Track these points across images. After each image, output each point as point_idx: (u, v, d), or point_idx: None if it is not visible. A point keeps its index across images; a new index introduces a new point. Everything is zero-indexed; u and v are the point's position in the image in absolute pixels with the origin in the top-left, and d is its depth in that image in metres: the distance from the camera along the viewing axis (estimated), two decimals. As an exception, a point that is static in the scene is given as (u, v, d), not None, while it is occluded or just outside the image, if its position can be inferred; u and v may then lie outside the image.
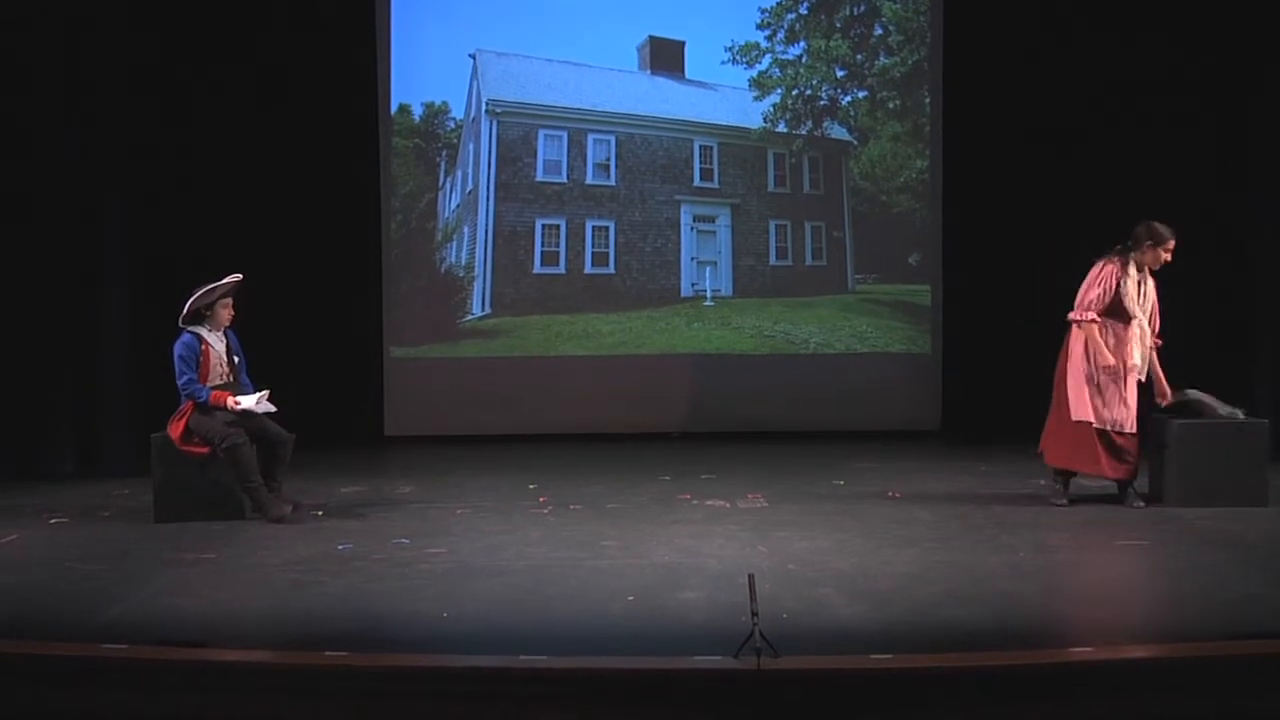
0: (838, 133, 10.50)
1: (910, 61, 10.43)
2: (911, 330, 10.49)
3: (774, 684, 3.93)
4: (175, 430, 6.75)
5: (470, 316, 10.41)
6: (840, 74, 10.48)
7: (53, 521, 6.87)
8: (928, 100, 10.38)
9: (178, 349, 6.77)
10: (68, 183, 8.65)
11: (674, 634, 4.60)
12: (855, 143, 10.51)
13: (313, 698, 4.08)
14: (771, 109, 10.44)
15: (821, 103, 10.48)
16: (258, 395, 6.82)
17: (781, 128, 10.45)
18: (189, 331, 6.81)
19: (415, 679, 4.12)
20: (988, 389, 10.02)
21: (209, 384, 6.79)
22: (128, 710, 4.07)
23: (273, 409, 6.85)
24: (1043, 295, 9.98)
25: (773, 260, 10.48)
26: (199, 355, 6.78)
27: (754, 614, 4.05)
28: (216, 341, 6.87)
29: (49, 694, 4.13)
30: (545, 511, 7.02)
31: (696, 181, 10.46)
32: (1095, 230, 9.90)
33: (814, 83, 10.46)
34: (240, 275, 6.86)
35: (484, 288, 10.37)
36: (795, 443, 9.75)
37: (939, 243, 10.30)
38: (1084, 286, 7.16)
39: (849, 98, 10.51)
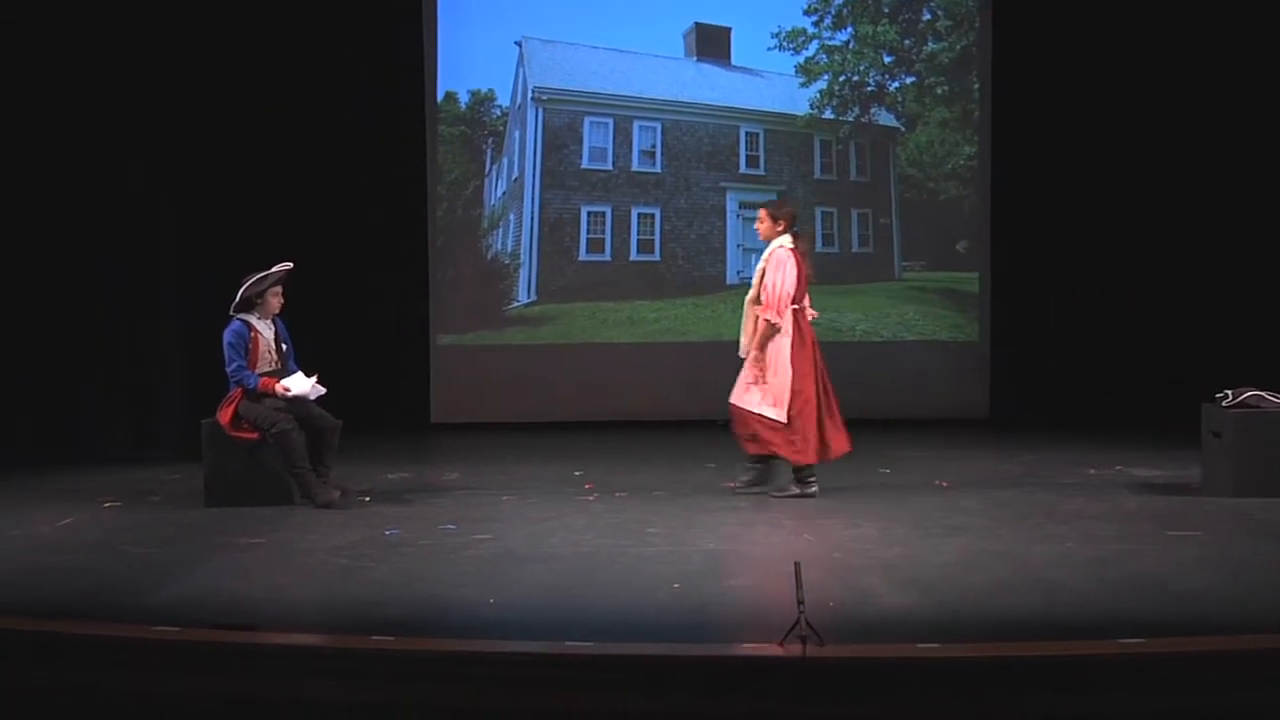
0: (885, 119, 10.41)
1: (959, 46, 10.32)
2: (959, 318, 10.40)
3: (820, 672, 3.92)
4: (225, 416, 6.83)
5: (516, 304, 10.43)
6: (888, 59, 10.39)
7: (106, 505, 6.98)
8: (976, 85, 10.27)
9: (227, 336, 6.84)
10: (120, 172, 8.75)
11: (719, 621, 4.60)
12: (903, 129, 10.42)
13: (359, 681, 4.11)
14: (818, 95, 10.37)
15: (869, 88, 10.39)
16: (308, 380, 6.87)
17: (828, 114, 10.38)
18: (238, 319, 6.88)
19: (461, 664, 4.14)
20: (1035, 377, 9.94)
21: (258, 371, 6.86)
22: (178, 691, 4.13)
23: (322, 390, 6.91)
24: (1091, 282, 9.91)
25: (819, 247, 10.38)
26: (248, 342, 6.85)
27: (800, 602, 4.04)
28: (265, 329, 6.93)
29: (102, 673, 4.20)
30: (591, 498, 7.03)
31: (742, 168, 10.41)
32: (1145, 217, 9.84)
33: (861, 68, 10.38)
34: (290, 264, 6.91)
35: (530, 275, 10.39)
36: (841, 431, 9.68)
37: (987, 229, 10.20)
38: (781, 279, 6.78)
39: (896, 83, 10.42)
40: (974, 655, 4.12)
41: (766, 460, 7.03)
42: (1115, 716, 3.95)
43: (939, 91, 10.35)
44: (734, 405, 6.96)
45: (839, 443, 6.99)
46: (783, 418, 6.79)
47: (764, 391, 6.85)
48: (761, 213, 7.08)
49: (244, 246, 8.98)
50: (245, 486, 6.83)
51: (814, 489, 6.88)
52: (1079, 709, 3.95)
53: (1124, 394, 9.68)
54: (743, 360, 6.96)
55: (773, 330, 6.81)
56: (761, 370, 6.85)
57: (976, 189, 10.28)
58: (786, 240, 6.95)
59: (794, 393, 6.78)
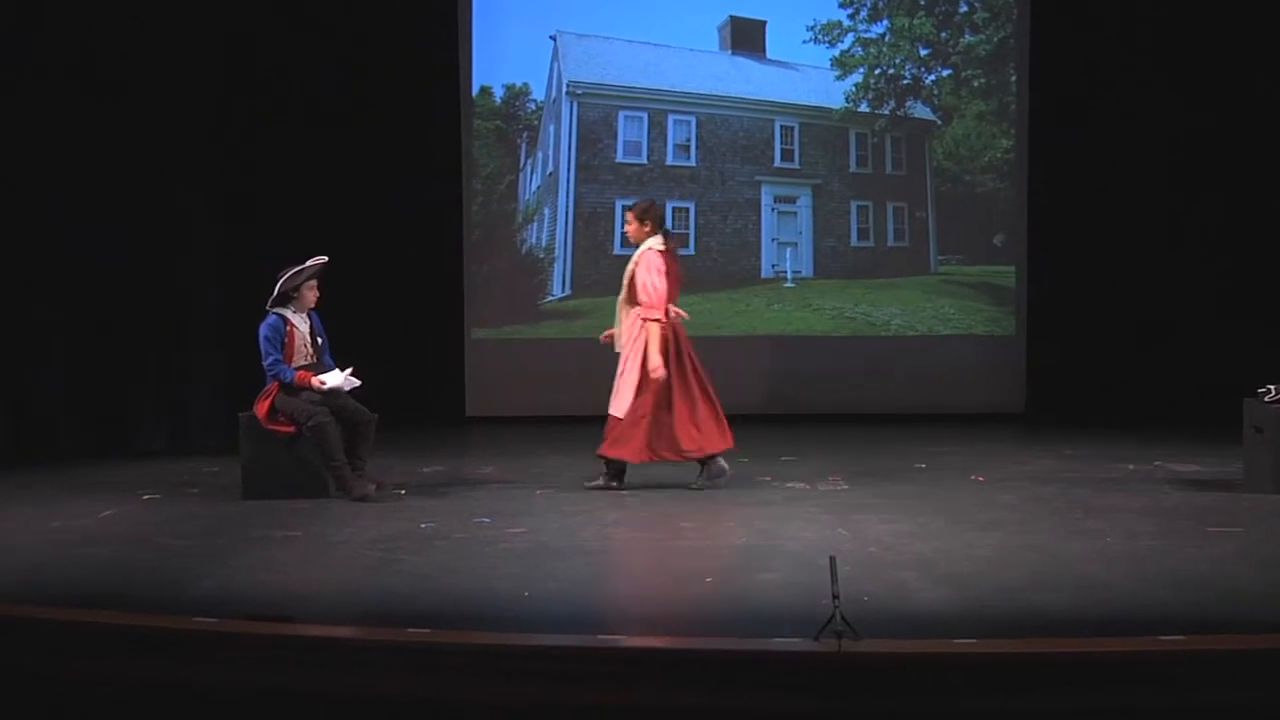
0: (921, 112, 10.34)
1: (996, 39, 10.24)
2: (995, 312, 10.33)
3: (855, 667, 3.90)
4: (261, 409, 6.87)
5: (551, 298, 10.45)
6: (924, 52, 10.32)
7: (145, 498, 7.04)
8: (1013, 78, 10.19)
9: (263, 330, 6.88)
10: (155, 170, 8.82)
11: (753, 616, 4.59)
12: (939, 122, 10.35)
13: (395, 673, 4.13)
14: (854, 88, 10.32)
15: (904, 82, 10.33)
16: (343, 373, 6.91)
17: (864, 107, 10.33)
18: (274, 313, 6.92)
19: (496, 657, 4.15)
20: (1073, 371, 9.87)
21: (294, 364, 6.90)
22: (216, 681, 4.16)
23: (357, 383, 6.95)
24: (1129, 275, 9.81)
25: (854, 241, 10.38)
26: (284, 336, 6.89)
27: (835, 596, 4.01)
28: (301, 323, 6.97)
29: (141, 664, 4.23)
30: (624, 493, 7.01)
31: (777, 162, 10.38)
32: (1185, 209, 9.72)
33: (897, 61, 10.32)
34: (326, 258, 6.95)
35: (564, 269, 10.40)
36: (876, 425, 9.67)
37: (1024, 223, 10.13)
38: (656, 280, 6.77)
39: (933, 76, 10.35)
40: (1011, 651, 4.08)
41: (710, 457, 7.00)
42: (1154, 714, 3.90)
43: (976, 84, 10.27)
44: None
45: (711, 437, 6.93)
46: (621, 414, 6.84)
47: (621, 390, 6.90)
48: (629, 215, 7.07)
49: (280, 241, 9.03)
50: (282, 479, 6.88)
51: (617, 485, 6.93)
52: (1118, 706, 3.90)
53: (1163, 388, 9.59)
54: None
55: (653, 330, 6.82)
56: (628, 370, 6.89)
57: (1013, 182, 10.20)
58: (656, 241, 6.96)
59: (638, 391, 6.84)
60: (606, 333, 7.18)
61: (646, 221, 6.96)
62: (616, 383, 6.96)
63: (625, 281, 6.96)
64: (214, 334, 9.05)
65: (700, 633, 4.34)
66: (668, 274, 6.84)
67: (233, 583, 5.14)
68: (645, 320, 6.81)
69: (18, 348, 8.50)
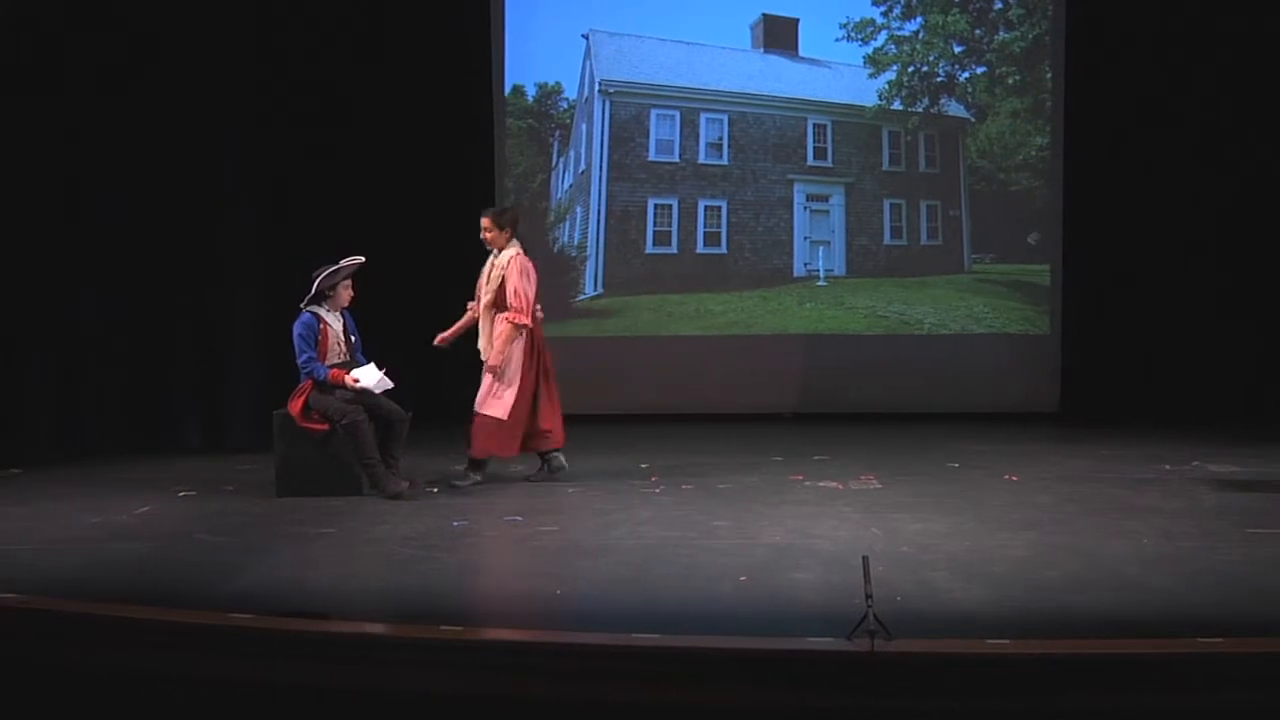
0: (955, 110, 10.29)
1: (1031, 36, 10.17)
2: (1029, 311, 10.26)
3: (888, 667, 3.88)
4: (295, 407, 6.92)
5: (582, 296, 10.46)
6: (958, 49, 10.26)
7: (181, 495, 7.11)
8: (1049, 75, 10.11)
9: (297, 329, 6.93)
10: (190, 169, 8.89)
11: (786, 615, 4.57)
12: (973, 119, 10.29)
13: (428, 670, 4.14)
14: (887, 86, 10.27)
15: (938, 79, 10.27)
16: (377, 372, 6.94)
17: (897, 105, 10.28)
18: (308, 311, 6.97)
19: (529, 654, 4.16)
20: (1108, 370, 9.79)
21: (327, 363, 6.94)
22: (251, 676, 4.20)
23: (390, 385, 6.98)
24: (1165, 274, 9.72)
25: (887, 239, 10.34)
26: (318, 334, 6.94)
27: (868, 596, 4.00)
28: (334, 321, 7.02)
29: (179, 658, 4.27)
30: (657, 491, 7.03)
31: (810, 160, 10.35)
32: (1223, 208, 9.61)
33: (931, 59, 10.26)
34: (363, 258, 6.98)
35: (596, 267, 10.42)
36: (909, 424, 9.63)
37: (1059, 221, 10.05)
38: (527, 286, 7.01)
39: (967, 74, 10.29)
40: (1045, 652, 4.06)
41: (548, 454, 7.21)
42: (1193, 718, 3.87)
43: (1010, 82, 10.20)
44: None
45: (558, 433, 7.27)
46: (505, 415, 7.00)
47: (496, 392, 7.01)
48: (486, 221, 7.15)
49: (314, 240, 9.09)
50: (316, 477, 6.92)
51: (481, 480, 7.08)
52: (1155, 709, 3.87)
53: (1200, 388, 9.49)
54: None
55: (518, 334, 7.00)
56: (497, 373, 7.02)
57: (1048, 180, 10.13)
58: (516, 245, 7.10)
59: (519, 393, 7.04)
60: (442, 336, 7.29)
61: (505, 227, 7.14)
62: (493, 385, 7.02)
63: (492, 287, 7.08)
64: (249, 332, 9.11)
65: (733, 632, 4.33)
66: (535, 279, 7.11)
67: (267, 579, 5.18)
68: (514, 324, 6.97)
69: (57, 347, 8.59)
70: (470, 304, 7.31)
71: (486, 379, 7.09)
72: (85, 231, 8.61)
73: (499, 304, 7.07)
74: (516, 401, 7.06)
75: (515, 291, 7.01)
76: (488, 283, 7.13)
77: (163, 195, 8.82)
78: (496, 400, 7.05)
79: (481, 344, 7.18)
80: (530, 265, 7.14)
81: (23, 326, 8.45)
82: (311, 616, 4.47)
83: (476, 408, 7.09)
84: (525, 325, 7.05)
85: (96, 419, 8.76)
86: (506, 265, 7.07)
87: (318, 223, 9.32)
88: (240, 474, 7.75)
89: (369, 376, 6.94)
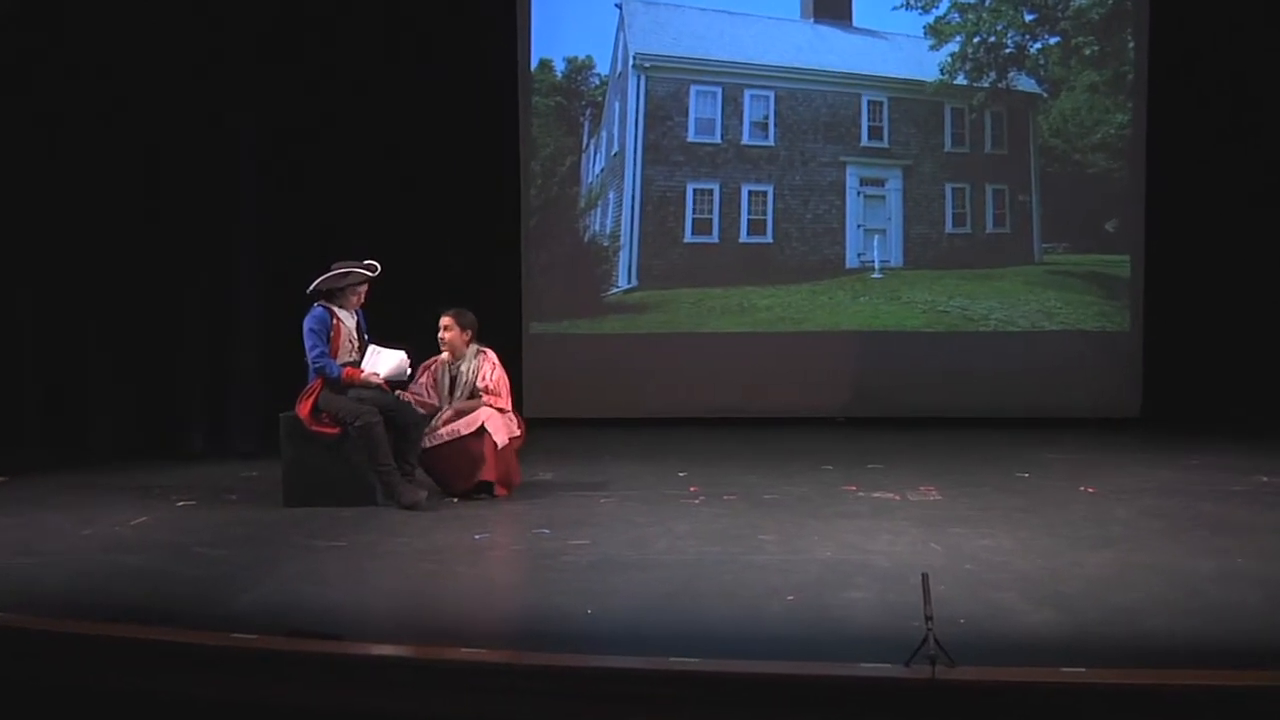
0: (1025, 84, 10.23)
1: (1111, 1, 10.09)
2: (1107, 305, 10.19)
3: (950, 696, 3.87)
4: (304, 409, 6.96)
5: (615, 289, 10.48)
6: (1029, 17, 10.20)
7: (180, 504, 7.17)
8: (1131, 45, 10.04)
9: (308, 322, 6.97)
10: (200, 162, 8.98)
11: (838, 638, 4.58)
12: (1045, 95, 10.23)
13: (447, 695, 4.16)
14: (949, 59, 10.23)
15: (1007, 50, 10.22)
16: (395, 354, 6.96)
17: (961, 80, 10.23)
18: (320, 305, 7.00)
19: (556, 679, 4.16)
20: (1195, 371, 9.71)
21: (339, 360, 6.98)
22: (253, 701, 4.22)
23: (407, 373, 7.02)
24: (1258, 265, 9.62)
25: (949, 228, 10.31)
26: (330, 329, 6.97)
27: (928, 618, 4.00)
28: (347, 317, 7.06)
29: (174, 681, 4.30)
30: (696, 502, 7.03)
31: (864, 141, 10.33)
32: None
33: (998, 28, 10.21)
34: (379, 267, 7.01)
35: (630, 258, 10.43)
36: (973, 430, 9.59)
37: (1141, 206, 9.99)
38: (503, 376, 7.34)
39: (1038, 44, 10.23)
40: (1125, 682, 4.02)
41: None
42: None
43: (1087, 53, 10.13)
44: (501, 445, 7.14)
45: None
46: (505, 441, 7.14)
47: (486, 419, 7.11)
48: (448, 320, 7.27)
49: (324, 228, 9.15)
50: (326, 485, 6.96)
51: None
52: (1247, 745, 3.84)
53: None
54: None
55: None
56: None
57: (1129, 161, 10.05)
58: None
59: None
60: (424, 400, 7.27)
61: (467, 329, 7.30)
62: (486, 421, 7.05)
63: (475, 381, 7.24)
64: (254, 331, 9.18)
65: (780, 656, 4.32)
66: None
67: (273, 597, 5.21)
68: (492, 409, 7.15)
69: (48, 343, 8.68)
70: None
71: (489, 414, 7.11)
72: (81, 228, 8.71)
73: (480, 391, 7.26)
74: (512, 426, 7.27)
75: (497, 380, 7.24)
76: (453, 391, 7.24)
77: (163, 186, 8.91)
78: (498, 432, 7.11)
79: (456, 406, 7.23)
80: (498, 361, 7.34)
81: (10, 322, 8.54)
82: (320, 637, 4.49)
83: (500, 444, 7.09)
84: (505, 409, 7.23)
85: (90, 421, 8.84)
86: (483, 359, 7.27)
87: (328, 209, 9.37)
88: (243, 481, 7.81)
89: (387, 361, 6.96)
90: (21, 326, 8.56)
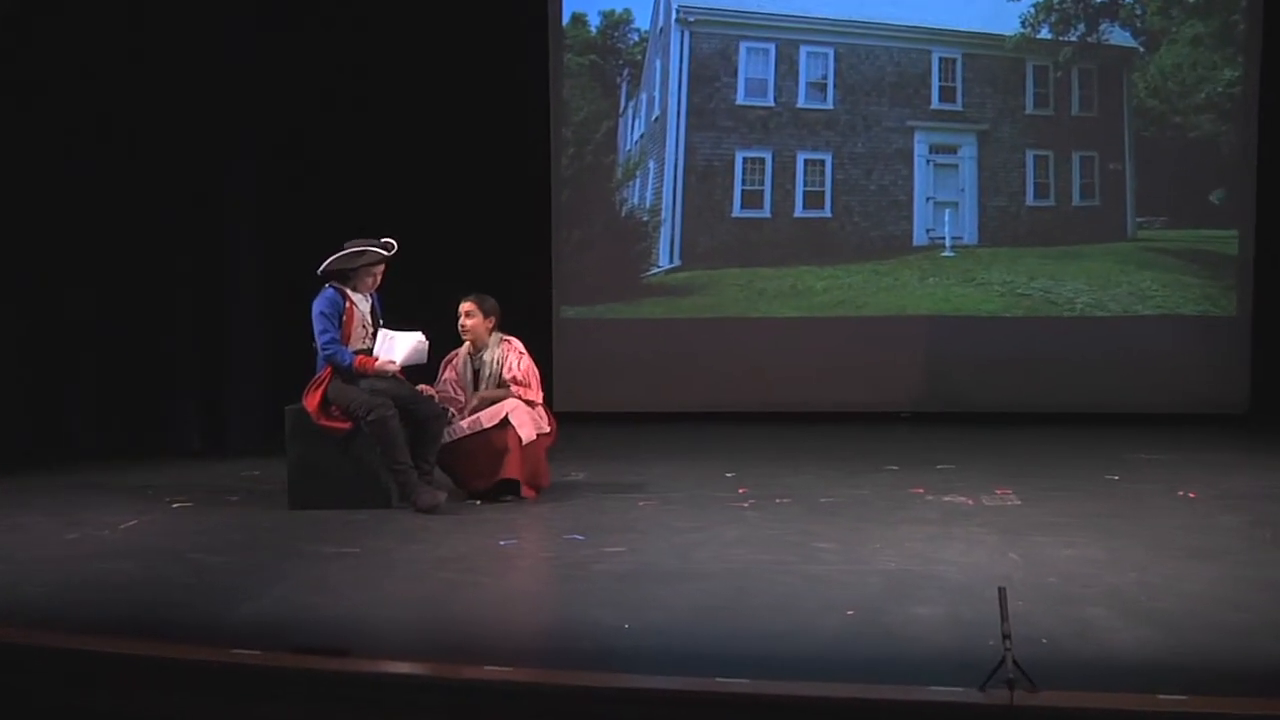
0: (1119, 37, 10.15)
1: (1216, -59, 10.01)
2: (1211, 287, 10.11)
3: (1031, 724, 3.84)
4: (311, 401, 6.98)
5: (655, 270, 10.49)
6: (1123, -39, 10.14)
7: (175, 506, 7.22)
8: (1241, -9, 9.95)
9: (319, 305, 6.98)
10: (196, 145, 9.06)
11: (904, 658, 4.57)
12: (1141, 49, 10.15)
13: (466, 717, 4.16)
14: (1032, 9, 10.19)
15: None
16: (412, 337, 6.97)
17: (1044, 33, 10.18)
18: (332, 286, 7.01)
19: (589, 701, 4.17)
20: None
21: (351, 347, 6.99)
22: (258, 725, 4.25)
23: (424, 359, 7.05)
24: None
25: (1030, 200, 10.27)
26: (342, 313, 6.98)
27: (1005, 637, 3.99)
28: (361, 301, 7.07)
29: (170, 700, 4.34)
30: (745, 505, 7.03)
31: (935, 103, 10.30)
32: None
33: (1088, -27, 10.15)
34: (395, 245, 7.01)
35: (672, 235, 10.44)
36: (1056, 427, 9.58)
37: (1252, 175, 9.92)
38: (531, 363, 7.42)
39: (1134, -9, 10.17)
40: (1231, 712, 3.99)
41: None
42: None
43: (1191, 0, 10.03)
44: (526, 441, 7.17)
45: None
46: (531, 438, 7.18)
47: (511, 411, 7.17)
48: (469, 306, 7.31)
49: (335, 203, 9.19)
50: (335, 486, 6.99)
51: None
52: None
53: None
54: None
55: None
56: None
57: (1238, 124, 9.96)
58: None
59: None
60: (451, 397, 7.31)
61: (490, 315, 7.35)
62: (510, 412, 7.10)
63: (502, 372, 7.30)
64: (256, 317, 9.24)
65: (839, 678, 4.31)
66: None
67: (277, 608, 5.24)
68: (521, 399, 7.23)
69: (33, 334, 8.78)
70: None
71: (515, 405, 7.14)
72: (74, 217, 8.80)
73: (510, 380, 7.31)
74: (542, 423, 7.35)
75: (526, 370, 7.29)
76: (478, 384, 7.29)
77: (158, 173, 9.00)
78: (524, 426, 7.13)
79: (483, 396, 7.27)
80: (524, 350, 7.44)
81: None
82: (328, 653, 4.51)
83: (525, 439, 7.12)
84: (535, 400, 7.30)
85: (78, 417, 8.93)
86: (508, 348, 7.33)
87: (339, 186, 9.42)
88: (245, 482, 7.87)
89: (403, 346, 6.98)
90: (5, 319, 8.65)
